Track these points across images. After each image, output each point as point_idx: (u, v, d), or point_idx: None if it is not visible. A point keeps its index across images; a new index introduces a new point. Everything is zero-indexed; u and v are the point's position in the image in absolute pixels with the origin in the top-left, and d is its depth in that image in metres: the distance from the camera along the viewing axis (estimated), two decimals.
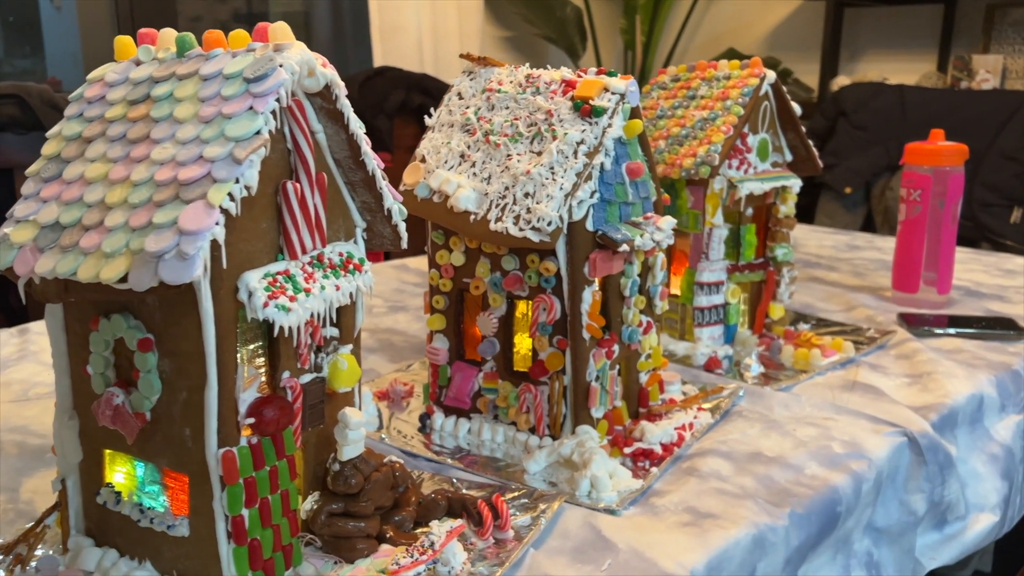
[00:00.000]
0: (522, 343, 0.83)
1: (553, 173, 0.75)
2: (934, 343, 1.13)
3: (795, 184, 1.12)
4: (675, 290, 1.14)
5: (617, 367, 0.83)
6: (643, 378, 0.88)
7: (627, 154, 0.80)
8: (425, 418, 0.87)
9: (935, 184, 1.26)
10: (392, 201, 0.64)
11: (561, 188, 0.74)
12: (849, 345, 1.08)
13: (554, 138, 0.77)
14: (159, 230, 0.50)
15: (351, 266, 0.61)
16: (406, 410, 0.91)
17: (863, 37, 3.05)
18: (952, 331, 1.16)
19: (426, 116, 0.86)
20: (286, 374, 0.59)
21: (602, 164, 0.76)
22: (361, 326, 0.66)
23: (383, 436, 0.85)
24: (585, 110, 0.76)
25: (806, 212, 2.52)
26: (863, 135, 2.36)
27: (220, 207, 0.50)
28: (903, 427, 0.86)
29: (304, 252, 0.58)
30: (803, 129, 1.12)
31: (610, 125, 0.76)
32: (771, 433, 0.85)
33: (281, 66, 0.54)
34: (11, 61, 2.46)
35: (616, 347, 0.82)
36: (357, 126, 0.60)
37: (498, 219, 0.76)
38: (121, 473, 0.62)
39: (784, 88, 1.09)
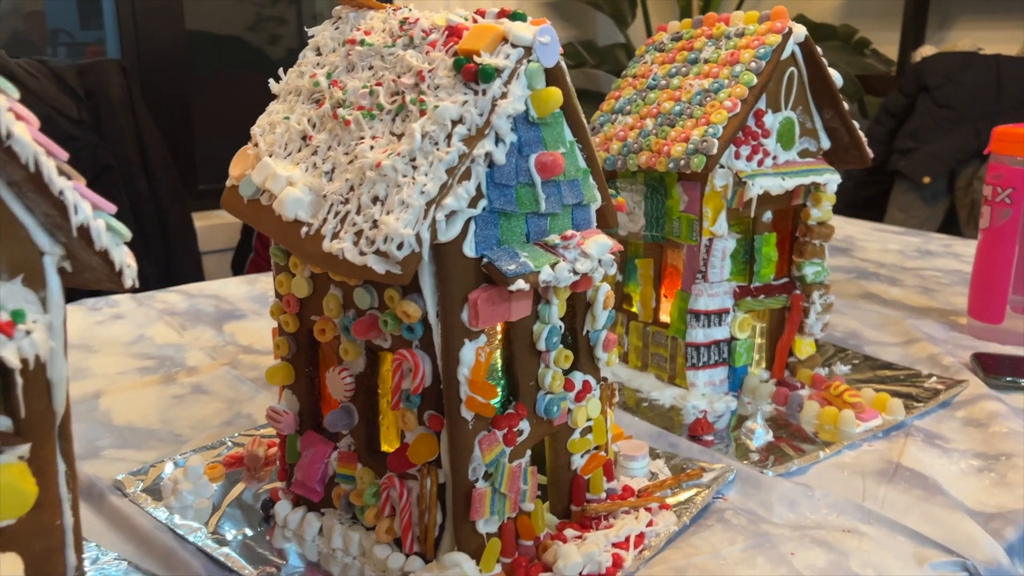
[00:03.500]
0: (391, 414, 0.58)
1: (415, 167, 0.49)
2: (1020, 402, 0.82)
3: (831, 180, 0.83)
4: (665, 317, 0.86)
5: (527, 453, 0.56)
6: (577, 463, 0.61)
7: (540, 140, 0.53)
8: (268, 505, 0.62)
9: None
10: (87, 214, 0.39)
11: (422, 191, 0.48)
12: (897, 405, 0.78)
13: (422, 113, 0.50)
14: None
15: None
16: (261, 486, 0.67)
17: (956, 1, 2.65)
18: None
19: (271, 80, 0.60)
20: None
21: (489, 155, 0.49)
22: (62, 411, 0.42)
23: (201, 531, 0.60)
24: (468, 71, 0.50)
25: (876, 204, 2.18)
26: (948, 114, 2.01)
27: None
28: (961, 555, 0.57)
29: None
30: (846, 106, 0.83)
31: (504, 95, 0.49)
32: (758, 557, 0.57)
33: None
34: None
35: (524, 425, 0.55)
36: None
37: (335, 234, 0.51)
38: None
39: (819, 50, 0.80)
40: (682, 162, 0.75)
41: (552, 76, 0.52)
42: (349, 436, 0.58)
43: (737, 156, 0.77)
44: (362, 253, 0.48)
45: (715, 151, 0.74)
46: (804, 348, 0.88)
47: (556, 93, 0.51)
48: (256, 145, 0.58)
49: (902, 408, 0.78)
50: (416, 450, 0.52)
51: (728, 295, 0.82)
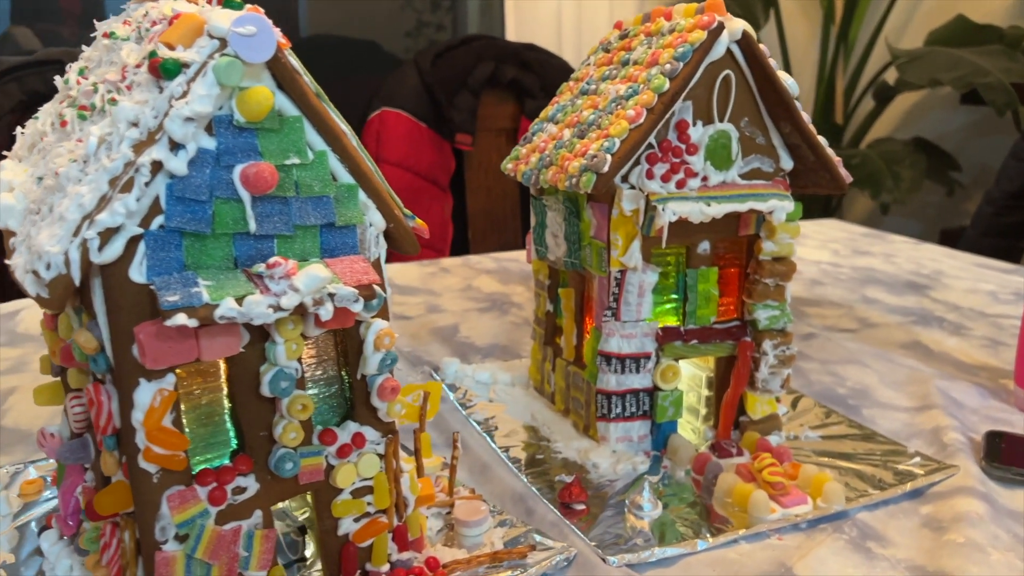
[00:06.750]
0: None
1: (87, 176, 0.42)
2: (1014, 502, 0.64)
3: (779, 208, 0.68)
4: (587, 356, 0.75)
5: (257, 514, 0.48)
6: (347, 527, 0.52)
7: (254, 148, 0.44)
8: (42, 532, 0.58)
9: None
10: None
11: (80, 204, 0.41)
12: (836, 490, 0.63)
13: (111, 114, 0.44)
14: None
15: None
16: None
17: None
18: None
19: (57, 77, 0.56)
20: None
21: (160, 164, 0.42)
22: None
23: None
24: (152, 66, 0.42)
25: (1019, 234, 1.88)
26: None
27: None
28: None
29: None
30: (806, 119, 0.68)
31: (184, 95, 0.42)
32: None
33: None
34: None
35: (248, 481, 0.47)
36: None
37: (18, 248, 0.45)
38: None
39: (763, 50, 0.66)
40: (574, 180, 0.64)
41: (277, 73, 0.44)
42: (91, 471, 0.52)
43: (650, 175, 0.65)
44: (25, 271, 0.43)
45: (606, 169, 0.62)
46: (759, 406, 0.73)
47: (262, 94, 0.43)
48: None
49: (842, 495, 0.63)
50: (102, 500, 0.46)
51: (649, 337, 0.69)
